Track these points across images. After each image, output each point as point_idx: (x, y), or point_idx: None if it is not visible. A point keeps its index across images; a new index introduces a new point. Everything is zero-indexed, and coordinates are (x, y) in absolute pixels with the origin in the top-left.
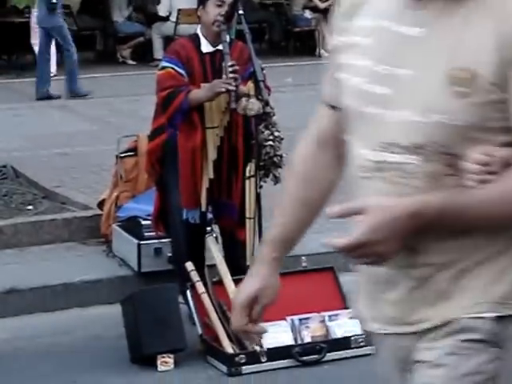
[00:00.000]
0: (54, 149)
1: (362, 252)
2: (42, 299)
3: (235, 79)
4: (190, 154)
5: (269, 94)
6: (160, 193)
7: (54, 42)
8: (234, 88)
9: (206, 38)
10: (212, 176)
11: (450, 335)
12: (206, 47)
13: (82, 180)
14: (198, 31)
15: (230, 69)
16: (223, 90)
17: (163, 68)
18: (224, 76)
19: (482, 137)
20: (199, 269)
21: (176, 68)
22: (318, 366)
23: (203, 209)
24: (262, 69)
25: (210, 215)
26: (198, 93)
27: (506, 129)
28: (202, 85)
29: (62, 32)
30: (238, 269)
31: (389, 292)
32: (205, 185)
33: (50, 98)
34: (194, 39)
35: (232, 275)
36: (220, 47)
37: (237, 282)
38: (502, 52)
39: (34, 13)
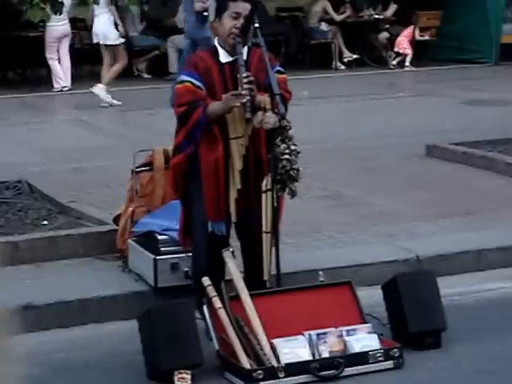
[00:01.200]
0: (68, 164)
1: None
2: (58, 315)
3: (251, 90)
4: (213, 166)
5: (288, 100)
6: (185, 207)
7: (68, 57)
8: (245, 100)
9: (223, 49)
10: (240, 186)
11: None
12: (224, 57)
13: (98, 195)
14: (216, 43)
15: (245, 80)
16: (237, 104)
17: (181, 82)
18: (239, 88)
19: None
20: (218, 284)
21: (194, 81)
22: (336, 382)
23: (233, 219)
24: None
25: None
26: (215, 107)
27: None
28: (223, 96)
29: (209, 43)
30: (260, 282)
31: None
32: (233, 195)
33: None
34: (212, 51)
35: (253, 289)
36: None
37: (255, 296)
38: None
39: (49, 27)
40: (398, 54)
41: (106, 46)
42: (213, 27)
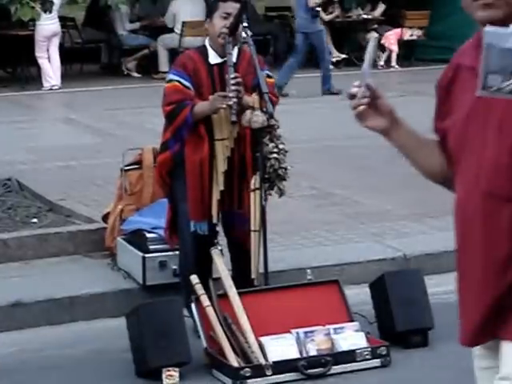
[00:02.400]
0: (58, 162)
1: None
2: (47, 312)
3: (238, 91)
4: (198, 166)
5: (276, 103)
6: (171, 205)
7: (58, 56)
8: (232, 103)
9: (213, 50)
10: (223, 188)
11: None
12: (213, 59)
13: (87, 193)
14: (206, 43)
15: (233, 81)
16: (223, 106)
17: (170, 81)
18: (227, 88)
19: None
20: (206, 281)
21: (182, 81)
22: (323, 380)
23: (214, 220)
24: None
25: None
26: (202, 107)
27: None
28: (211, 97)
29: (321, 37)
30: (247, 280)
31: None
32: (216, 196)
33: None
34: (202, 51)
35: (241, 287)
36: None
37: (243, 294)
38: None
39: (38, 25)
40: (383, 49)
41: None
42: (205, 28)
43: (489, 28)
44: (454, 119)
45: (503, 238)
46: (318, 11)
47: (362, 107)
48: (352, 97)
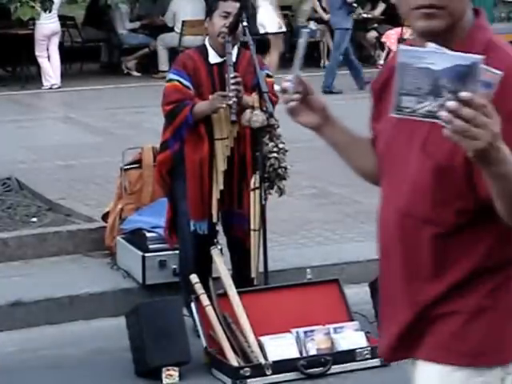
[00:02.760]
0: (58, 161)
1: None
2: (47, 312)
3: (238, 91)
4: (198, 166)
5: (276, 103)
6: (171, 204)
7: (58, 55)
8: (231, 102)
9: (213, 49)
10: (222, 187)
11: None
12: (213, 58)
13: (87, 192)
14: (206, 42)
15: (232, 81)
16: (223, 105)
17: (170, 80)
18: (227, 88)
19: None
20: (205, 281)
21: (182, 81)
22: (323, 379)
23: (214, 220)
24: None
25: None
26: (202, 106)
27: None
28: (210, 96)
29: (344, 35)
30: (247, 279)
31: None
32: (215, 196)
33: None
34: (202, 50)
35: (240, 286)
36: None
37: (242, 294)
38: None
39: (38, 25)
40: (382, 47)
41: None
42: (205, 27)
43: (402, 47)
44: (384, 125)
45: (422, 259)
46: (354, 7)
47: (293, 103)
48: (284, 91)
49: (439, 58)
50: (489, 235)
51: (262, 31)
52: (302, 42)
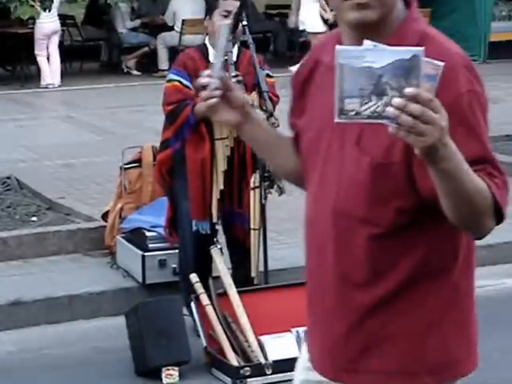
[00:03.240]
0: (58, 160)
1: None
2: (47, 311)
3: None
4: (199, 166)
5: (276, 103)
6: (171, 203)
7: (58, 54)
8: None
9: (214, 48)
10: (222, 187)
11: None
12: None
13: (86, 191)
14: (206, 41)
15: (233, 79)
16: None
17: (170, 80)
18: None
19: None
20: (205, 280)
21: (183, 81)
22: None
23: (214, 219)
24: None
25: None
26: (203, 106)
27: None
28: None
29: None
30: (247, 279)
31: None
32: (216, 196)
33: None
34: (202, 50)
35: (240, 286)
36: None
37: (242, 293)
38: None
39: (38, 24)
40: None
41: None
42: (205, 26)
43: (339, 47)
44: (308, 121)
45: (357, 262)
46: None
47: (214, 100)
48: (202, 88)
49: (379, 56)
50: (430, 237)
51: (301, 28)
52: (222, 35)
